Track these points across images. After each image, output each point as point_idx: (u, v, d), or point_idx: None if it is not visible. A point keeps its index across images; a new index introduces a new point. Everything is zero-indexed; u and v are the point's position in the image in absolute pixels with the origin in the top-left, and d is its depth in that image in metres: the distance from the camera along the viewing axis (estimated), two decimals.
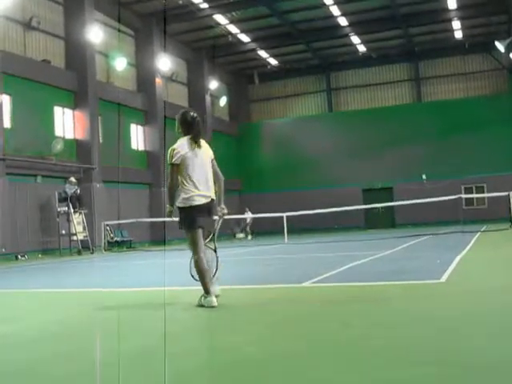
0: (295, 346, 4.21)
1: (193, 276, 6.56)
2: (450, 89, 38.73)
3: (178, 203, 6.30)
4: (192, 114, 6.53)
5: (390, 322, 4.90)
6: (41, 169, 23.80)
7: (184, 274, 6.89)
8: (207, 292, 6.18)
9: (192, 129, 6.37)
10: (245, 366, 3.68)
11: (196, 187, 6.23)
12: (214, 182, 6.48)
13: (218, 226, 6.81)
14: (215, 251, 6.64)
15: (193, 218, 6.23)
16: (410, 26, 34.15)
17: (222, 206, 6.59)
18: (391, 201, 33.40)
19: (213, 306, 6.07)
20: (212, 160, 6.52)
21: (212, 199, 6.37)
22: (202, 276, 6.23)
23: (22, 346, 4.75)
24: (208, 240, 6.53)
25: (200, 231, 6.28)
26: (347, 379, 3.27)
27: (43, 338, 5.12)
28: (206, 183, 6.33)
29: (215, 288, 6.31)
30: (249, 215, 32.74)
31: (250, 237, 33.22)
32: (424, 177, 36.82)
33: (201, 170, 6.31)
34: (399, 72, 39.80)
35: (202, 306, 6.16)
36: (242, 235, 33.67)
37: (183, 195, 6.26)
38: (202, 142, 6.45)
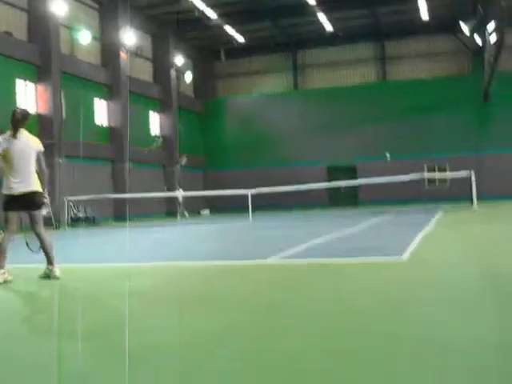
0: (263, 319, 4.25)
1: (31, 249, 7.47)
2: (414, 69, 39.05)
3: (3, 189, 7.01)
4: (17, 110, 7.19)
5: (354, 298, 4.99)
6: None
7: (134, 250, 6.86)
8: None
9: (11, 121, 7.01)
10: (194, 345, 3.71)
11: (13, 177, 6.86)
12: (38, 173, 7.06)
13: (46, 211, 7.43)
14: (39, 235, 7.10)
15: (7, 203, 6.93)
16: (377, 5, 34.20)
17: (45, 194, 7.20)
18: (355, 179, 33.69)
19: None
20: (38, 153, 7.11)
21: (32, 190, 6.94)
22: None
23: None
24: (37, 225, 7.04)
25: (11, 214, 6.92)
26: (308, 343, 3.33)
27: None
28: (25, 174, 6.91)
29: (55, 269, 7.00)
30: (180, 193, 29.26)
31: (179, 217, 28.90)
32: (388, 156, 37.16)
33: (20, 161, 6.90)
34: (365, 51, 39.94)
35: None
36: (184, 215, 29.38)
37: (4, 183, 6.96)
38: (26, 136, 7.09)
